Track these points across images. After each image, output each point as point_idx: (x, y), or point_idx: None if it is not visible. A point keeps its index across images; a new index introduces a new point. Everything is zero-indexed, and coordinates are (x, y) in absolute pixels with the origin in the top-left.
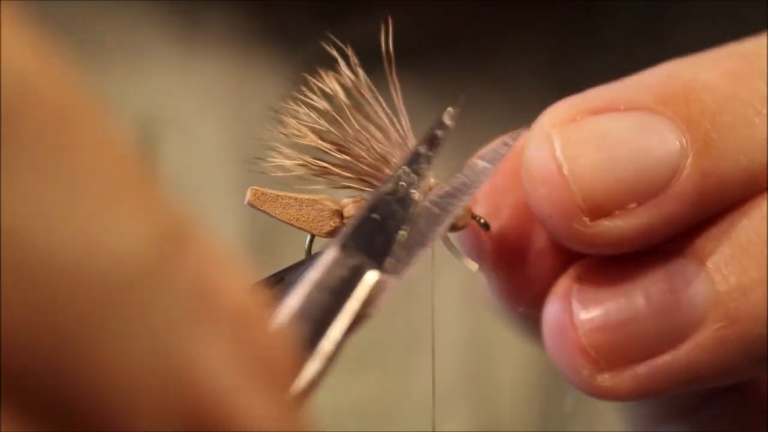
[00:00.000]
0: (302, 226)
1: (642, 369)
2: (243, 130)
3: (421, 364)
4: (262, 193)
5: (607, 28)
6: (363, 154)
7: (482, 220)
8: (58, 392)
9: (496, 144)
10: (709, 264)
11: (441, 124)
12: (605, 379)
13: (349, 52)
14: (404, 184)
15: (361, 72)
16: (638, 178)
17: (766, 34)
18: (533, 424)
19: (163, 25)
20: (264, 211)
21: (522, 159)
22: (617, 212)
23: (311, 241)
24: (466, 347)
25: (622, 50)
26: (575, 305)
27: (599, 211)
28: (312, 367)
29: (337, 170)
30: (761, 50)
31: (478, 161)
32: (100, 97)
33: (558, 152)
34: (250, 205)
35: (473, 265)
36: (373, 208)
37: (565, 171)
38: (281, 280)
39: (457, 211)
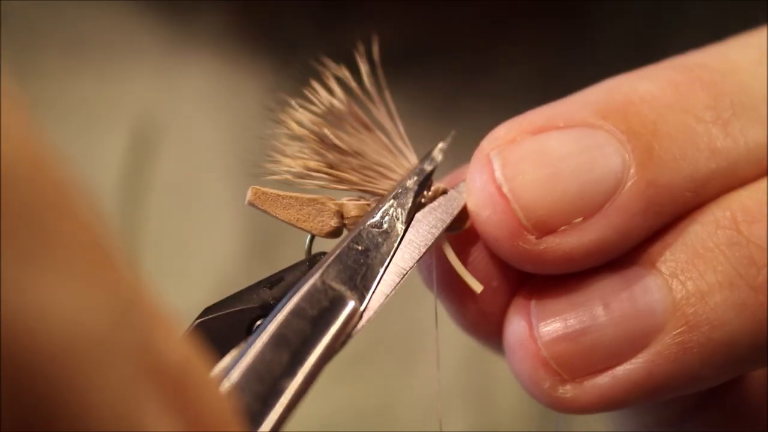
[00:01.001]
0: (302, 226)
1: (603, 379)
2: (239, 131)
3: (423, 365)
4: (263, 193)
5: (599, 41)
6: (361, 154)
7: None
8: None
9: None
10: (666, 271)
11: (431, 159)
12: (566, 391)
13: (356, 52)
14: (389, 217)
15: (363, 73)
16: (581, 192)
17: (711, 46)
18: (532, 425)
19: (157, 29)
20: (264, 211)
21: (465, 184)
22: (563, 228)
23: (311, 241)
24: (466, 349)
25: (614, 63)
26: (534, 318)
27: (543, 227)
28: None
29: (337, 171)
30: (707, 61)
31: (452, 191)
32: (77, 173)
33: (497, 173)
34: (251, 204)
35: (477, 286)
36: (357, 239)
37: (505, 190)
38: (281, 280)
39: (433, 243)
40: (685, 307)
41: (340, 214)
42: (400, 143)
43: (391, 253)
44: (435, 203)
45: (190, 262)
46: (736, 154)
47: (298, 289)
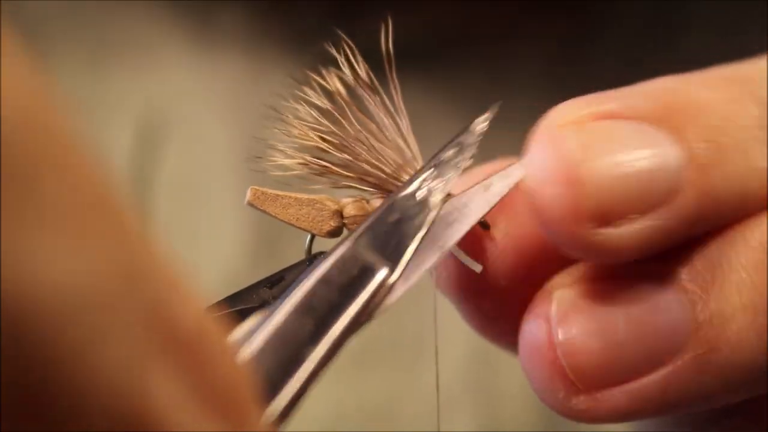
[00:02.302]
0: (302, 226)
1: (618, 393)
2: (252, 129)
3: (427, 365)
4: (262, 193)
5: (612, 34)
6: (363, 153)
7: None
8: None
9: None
10: (690, 289)
11: (472, 132)
12: (580, 402)
13: (352, 50)
14: (427, 187)
15: (363, 71)
16: (642, 188)
17: (760, 57)
18: (538, 425)
19: (174, 24)
20: (264, 211)
21: (526, 157)
22: (619, 221)
23: (311, 241)
24: (471, 349)
25: (627, 55)
26: (554, 325)
27: (605, 218)
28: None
29: (338, 169)
30: (754, 75)
31: (492, 182)
32: (88, 133)
33: (572, 153)
34: (250, 204)
35: (477, 266)
36: (392, 207)
37: (577, 173)
38: (281, 280)
39: (474, 222)
40: (707, 328)
41: (340, 214)
42: (404, 141)
43: (425, 226)
44: (487, 181)
45: (197, 257)
46: None
47: (328, 256)
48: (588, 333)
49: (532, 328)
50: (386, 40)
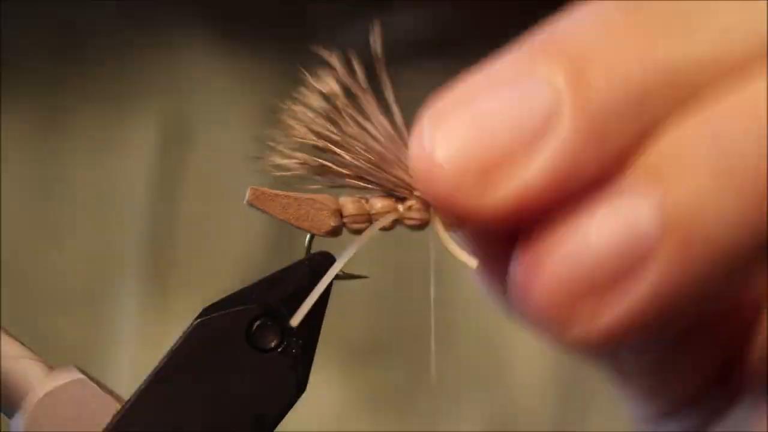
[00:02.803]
0: (301, 226)
1: (610, 314)
2: (265, 125)
3: (441, 351)
4: (261, 193)
5: None
6: (361, 152)
7: None
8: None
9: None
10: (655, 182)
11: None
12: (576, 332)
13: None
14: None
15: (358, 71)
16: (512, 130)
17: None
18: (552, 404)
19: (202, 21)
20: (263, 210)
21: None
22: (506, 173)
23: (311, 241)
24: (483, 329)
25: None
26: (536, 258)
27: (486, 179)
28: None
29: (338, 168)
30: None
31: None
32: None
33: (425, 140)
34: (249, 204)
35: (473, 262)
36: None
37: (436, 155)
38: (281, 280)
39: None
40: (681, 218)
41: (339, 213)
42: (401, 138)
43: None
44: None
45: (222, 252)
46: (683, 62)
47: None
48: (564, 262)
49: (516, 271)
50: (375, 40)
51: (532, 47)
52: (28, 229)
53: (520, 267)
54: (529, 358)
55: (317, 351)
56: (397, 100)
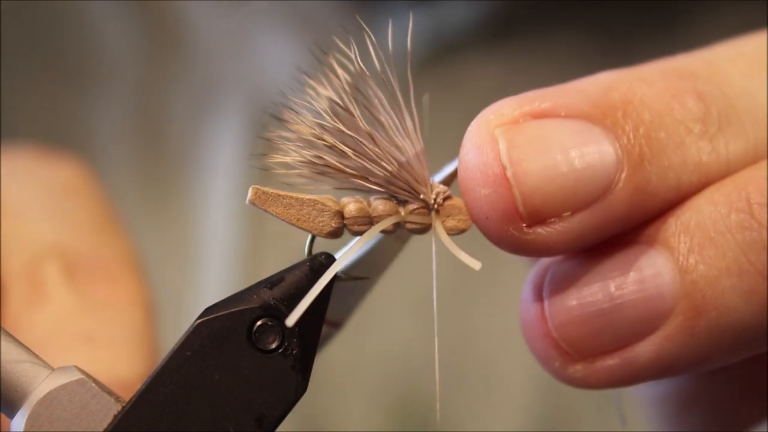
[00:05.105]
0: (303, 226)
1: (613, 360)
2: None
3: (491, 306)
4: (263, 193)
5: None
6: (368, 152)
7: None
8: None
9: None
10: (676, 253)
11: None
12: (577, 370)
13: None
14: None
15: (363, 69)
16: (576, 187)
17: (703, 51)
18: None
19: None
20: (265, 211)
21: (460, 153)
22: (552, 220)
23: (312, 241)
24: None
25: (668, 38)
26: (546, 298)
27: (536, 217)
28: None
29: (341, 166)
30: (699, 69)
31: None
32: None
33: (503, 155)
34: (251, 204)
35: (475, 264)
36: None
37: (509, 174)
38: (281, 280)
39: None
40: (694, 292)
41: (341, 215)
42: (409, 140)
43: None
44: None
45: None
46: (717, 167)
47: None
48: (577, 304)
49: (526, 300)
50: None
51: (600, 102)
52: None
53: (533, 303)
54: None
55: None
56: (421, 98)
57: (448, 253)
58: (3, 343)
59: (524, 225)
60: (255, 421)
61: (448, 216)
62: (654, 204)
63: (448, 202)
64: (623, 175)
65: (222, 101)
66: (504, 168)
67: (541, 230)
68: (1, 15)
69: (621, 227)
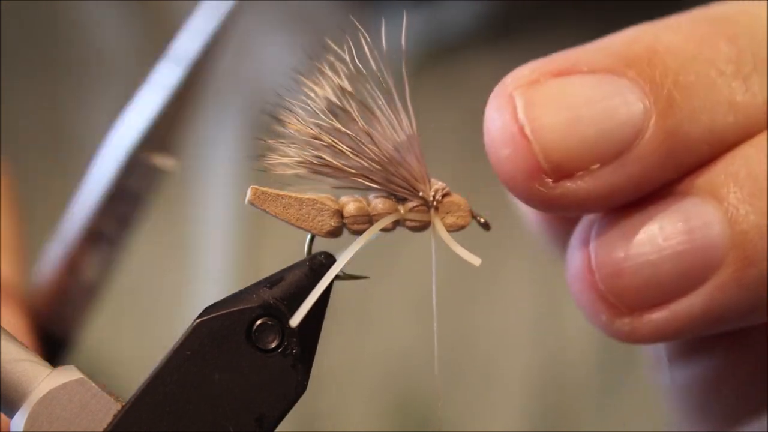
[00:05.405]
0: (302, 226)
1: (661, 314)
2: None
3: (494, 303)
4: (262, 192)
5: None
6: (366, 150)
7: (482, 220)
8: None
9: None
10: (726, 203)
11: None
12: (624, 323)
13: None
14: None
15: (360, 69)
16: (601, 139)
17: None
18: (599, 352)
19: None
20: (264, 210)
21: (484, 123)
22: (580, 173)
23: (311, 241)
24: (532, 282)
25: None
26: (592, 250)
27: (561, 172)
28: None
29: (340, 165)
30: (730, 13)
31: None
32: None
33: (520, 113)
34: (251, 204)
35: (475, 260)
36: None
37: (527, 131)
38: (281, 280)
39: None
40: (745, 242)
41: (340, 214)
42: (408, 140)
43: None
44: None
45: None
46: (755, 109)
47: None
48: (624, 256)
49: (573, 254)
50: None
51: (624, 54)
52: None
53: (580, 255)
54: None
55: None
56: (421, 95)
57: (447, 251)
58: (3, 342)
59: (550, 180)
60: (255, 420)
61: (448, 213)
62: (690, 151)
63: (447, 199)
64: (652, 122)
65: (220, 101)
66: (521, 126)
67: (570, 184)
68: (0, 15)
69: (659, 178)
